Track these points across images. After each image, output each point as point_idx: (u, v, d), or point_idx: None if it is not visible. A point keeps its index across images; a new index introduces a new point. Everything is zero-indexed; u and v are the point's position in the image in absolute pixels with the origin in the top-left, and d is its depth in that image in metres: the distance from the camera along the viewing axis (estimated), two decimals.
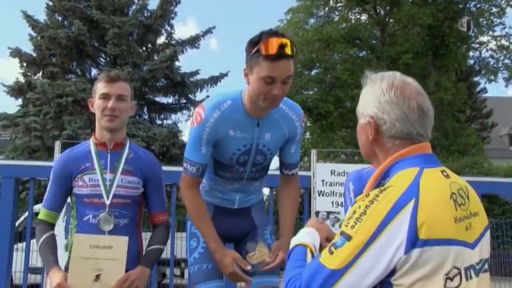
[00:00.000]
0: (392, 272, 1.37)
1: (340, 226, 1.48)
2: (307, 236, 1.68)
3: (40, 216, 2.55)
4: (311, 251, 1.61)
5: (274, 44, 2.14)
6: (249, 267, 2.38)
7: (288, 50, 2.16)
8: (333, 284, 1.36)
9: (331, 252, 1.39)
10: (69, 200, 2.59)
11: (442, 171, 1.52)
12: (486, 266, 1.51)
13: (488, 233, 1.54)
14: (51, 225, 2.55)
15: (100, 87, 2.52)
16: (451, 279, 1.38)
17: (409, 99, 1.53)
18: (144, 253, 2.57)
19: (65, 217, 3.96)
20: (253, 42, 2.22)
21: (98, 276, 2.34)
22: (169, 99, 18.29)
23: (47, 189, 2.59)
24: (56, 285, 2.30)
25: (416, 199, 1.37)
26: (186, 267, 6.12)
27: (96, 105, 2.52)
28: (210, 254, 2.50)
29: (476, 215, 1.50)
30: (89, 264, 2.35)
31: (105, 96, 2.49)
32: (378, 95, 1.56)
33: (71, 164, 2.51)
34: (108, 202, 2.46)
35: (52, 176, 2.56)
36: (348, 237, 1.38)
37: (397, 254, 1.35)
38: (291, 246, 1.67)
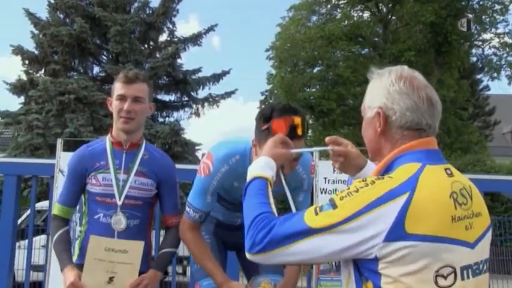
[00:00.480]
0: (375, 260, 1.39)
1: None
2: (268, 168, 1.72)
3: (54, 211, 2.56)
4: (270, 184, 1.67)
5: (287, 124, 2.09)
6: None
7: (299, 131, 2.12)
8: (302, 238, 1.42)
9: (316, 213, 1.44)
10: (82, 196, 2.60)
11: (446, 169, 1.50)
12: (486, 267, 1.50)
13: (489, 234, 1.53)
14: (66, 221, 2.55)
15: (117, 88, 2.51)
16: (444, 278, 1.38)
17: (418, 89, 1.53)
18: (156, 256, 2.58)
19: (78, 214, 3.96)
20: (264, 117, 2.16)
21: (111, 279, 2.35)
22: (172, 97, 18.33)
23: (63, 184, 2.60)
24: (69, 283, 2.30)
25: (411, 193, 1.38)
26: (189, 264, 6.13)
27: (114, 105, 2.51)
28: (213, 253, 2.51)
29: (478, 215, 1.49)
30: (103, 266, 2.36)
31: (122, 98, 2.48)
32: (386, 86, 1.56)
33: (86, 161, 2.51)
34: (120, 203, 2.46)
35: (68, 171, 2.57)
36: (334, 206, 1.42)
37: (375, 239, 1.36)
38: (250, 177, 1.70)
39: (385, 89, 1.56)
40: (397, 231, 1.35)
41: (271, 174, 1.72)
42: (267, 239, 1.46)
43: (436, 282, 1.37)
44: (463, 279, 1.40)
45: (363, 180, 1.45)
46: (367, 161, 1.97)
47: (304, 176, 2.55)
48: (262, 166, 1.73)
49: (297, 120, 2.12)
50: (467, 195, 1.48)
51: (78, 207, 2.66)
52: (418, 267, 1.36)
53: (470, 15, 21.57)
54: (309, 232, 1.41)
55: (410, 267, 1.36)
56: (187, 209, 2.46)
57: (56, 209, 2.55)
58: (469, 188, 1.50)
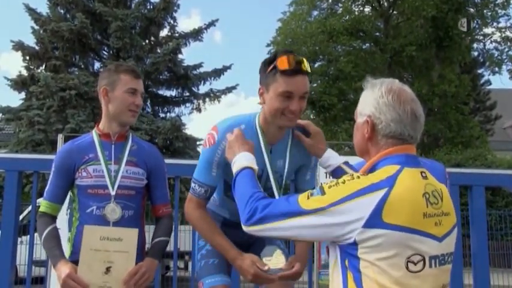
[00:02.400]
0: (354, 244, 1.62)
1: None
2: (252, 160, 2.08)
3: (41, 209, 2.51)
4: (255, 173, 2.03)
5: (291, 60, 2.20)
6: (266, 268, 2.29)
7: (304, 67, 2.22)
8: (295, 216, 1.69)
9: (307, 198, 1.70)
10: (70, 193, 2.57)
11: (421, 172, 1.72)
12: (450, 259, 1.74)
13: (455, 231, 1.76)
14: (53, 218, 2.53)
15: (126, 80, 2.50)
16: (414, 264, 1.61)
17: (404, 103, 1.74)
18: (150, 245, 2.57)
19: (68, 210, 3.97)
20: (269, 61, 2.27)
21: (108, 269, 2.34)
22: (173, 92, 18.31)
23: (48, 181, 2.56)
24: (65, 276, 2.28)
25: (389, 189, 1.61)
26: (190, 259, 6.15)
27: (121, 98, 2.49)
28: (217, 252, 2.47)
29: (447, 214, 1.71)
30: (100, 257, 2.34)
31: (134, 92, 2.50)
32: (376, 97, 1.77)
33: (74, 155, 2.49)
34: (113, 193, 2.44)
35: (54, 167, 2.53)
36: (323, 192, 1.68)
37: (355, 223, 1.60)
38: (237, 168, 2.04)
39: (374, 100, 1.77)
40: (374, 219, 1.58)
41: (255, 165, 2.06)
42: (264, 212, 1.73)
43: (407, 267, 1.60)
44: (430, 266, 1.64)
45: (350, 175, 1.71)
46: (326, 151, 2.34)
47: None
48: (246, 159, 2.05)
49: (301, 58, 2.25)
50: (439, 196, 1.70)
51: (70, 207, 2.63)
52: (391, 253, 1.59)
53: (471, 10, 21.50)
54: (301, 213, 1.67)
55: (384, 253, 1.59)
56: (192, 185, 2.41)
57: (43, 206, 2.51)
58: (440, 191, 1.73)
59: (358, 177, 1.67)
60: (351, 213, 1.60)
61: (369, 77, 1.88)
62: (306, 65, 2.24)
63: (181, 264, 9.87)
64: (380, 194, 1.60)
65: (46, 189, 2.55)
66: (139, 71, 2.66)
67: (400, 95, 1.75)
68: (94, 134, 2.56)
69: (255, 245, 2.59)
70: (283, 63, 2.19)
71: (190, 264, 5.65)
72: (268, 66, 2.26)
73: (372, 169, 1.75)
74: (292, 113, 2.24)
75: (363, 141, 1.83)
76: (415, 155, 1.78)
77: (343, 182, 1.67)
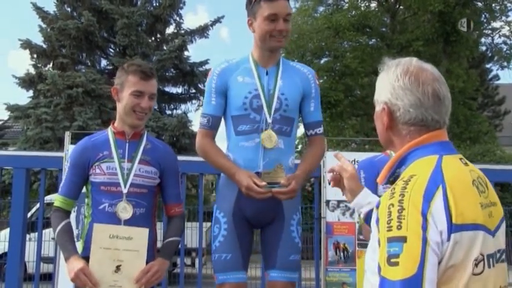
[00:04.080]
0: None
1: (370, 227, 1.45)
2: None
3: (56, 203, 2.53)
4: None
5: None
6: (263, 183, 2.42)
7: None
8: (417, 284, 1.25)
9: (394, 264, 1.27)
10: (84, 189, 2.59)
11: (460, 159, 1.50)
12: (504, 257, 1.48)
13: (504, 225, 1.51)
14: (67, 213, 2.55)
15: (133, 82, 2.48)
16: (476, 265, 1.34)
17: (423, 85, 1.50)
18: (162, 245, 2.58)
19: (76, 207, 3.99)
20: None
21: (118, 267, 2.34)
22: (179, 89, 18.35)
23: (64, 177, 2.58)
24: (78, 269, 2.28)
25: (443, 186, 1.35)
26: (197, 256, 6.17)
27: (127, 99, 2.49)
28: (229, 244, 2.54)
29: (495, 204, 1.48)
30: (109, 255, 2.35)
31: (139, 94, 2.48)
32: (392, 81, 1.54)
33: (89, 152, 2.51)
34: (125, 191, 2.46)
35: (69, 163, 2.56)
36: (403, 239, 1.28)
37: (443, 241, 1.30)
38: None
39: (390, 84, 1.54)
40: (450, 226, 1.31)
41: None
42: None
43: (472, 271, 1.33)
44: (489, 267, 1.38)
45: (392, 193, 1.38)
46: (362, 189, 1.96)
47: (310, 76, 2.71)
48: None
49: None
50: (484, 184, 1.47)
51: (79, 203, 2.65)
52: (462, 257, 1.32)
53: (479, 4, 21.31)
54: (414, 279, 1.25)
55: (456, 257, 1.32)
56: (199, 121, 2.67)
57: (58, 201, 2.53)
58: (483, 178, 1.50)
59: (404, 188, 1.36)
60: (437, 233, 1.29)
61: (387, 58, 1.65)
62: None
63: (188, 261, 9.89)
64: (439, 197, 1.33)
65: (61, 184, 2.59)
66: (153, 69, 2.60)
67: (419, 75, 1.51)
68: (109, 131, 2.58)
69: (274, 224, 2.62)
70: None
71: (197, 261, 5.67)
72: None
73: (400, 163, 1.53)
74: (280, 33, 2.53)
75: (383, 131, 1.59)
76: (448, 141, 1.54)
77: (402, 208, 1.32)
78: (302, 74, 2.68)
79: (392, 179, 1.55)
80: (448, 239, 1.30)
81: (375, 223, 1.39)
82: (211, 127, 2.62)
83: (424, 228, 1.28)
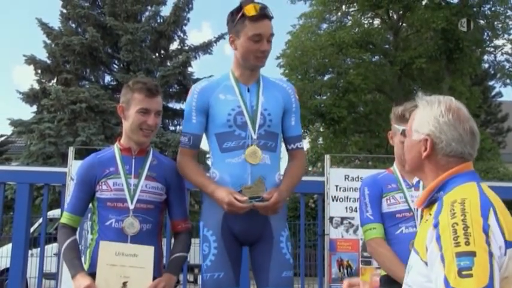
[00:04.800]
0: None
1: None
2: None
3: (63, 220, 2.54)
4: None
5: (256, 7, 2.49)
6: (244, 198, 2.40)
7: (268, 12, 2.54)
8: None
9: (467, 275, 1.41)
10: (90, 205, 2.59)
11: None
12: None
13: None
14: (74, 230, 2.56)
15: (139, 100, 2.49)
16: None
17: (463, 122, 1.71)
18: (168, 260, 2.58)
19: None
20: (236, 11, 2.55)
21: (124, 284, 2.34)
22: (182, 105, 18.36)
23: (70, 194, 2.60)
24: (85, 287, 2.29)
25: (492, 207, 1.53)
26: (199, 273, 6.13)
27: (133, 117, 2.49)
28: (220, 262, 2.50)
29: None
30: (116, 272, 2.35)
31: (146, 112, 2.49)
32: (436, 116, 1.71)
33: (96, 168, 2.52)
34: (132, 207, 2.46)
35: (75, 180, 2.57)
36: (472, 254, 1.43)
37: (502, 255, 1.47)
38: None
39: (434, 119, 1.72)
40: (505, 242, 1.49)
41: None
42: None
43: None
44: None
45: (451, 213, 1.52)
46: None
47: (290, 91, 2.73)
48: None
49: (264, 4, 2.52)
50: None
51: (89, 215, 2.66)
52: (506, 274, 1.48)
53: (482, 21, 21.41)
54: None
55: (509, 270, 1.49)
56: (180, 138, 2.66)
57: (65, 218, 2.54)
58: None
59: (463, 208, 1.52)
60: (497, 249, 1.47)
61: (421, 93, 1.85)
62: (270, 11, 2.53)
63: (190, 278, 9.82)
64: (492, 216, 1.51)
65: (67, 201, 2.60)
66: (158, 85, 2.62)
67: (459, 113, 1.72)
68: (116, 148, 2.59)
69: (262, 241, 2.60)
70: (250, 10, 2.48)
71: (199, 277, 5.63)
72: (236, 15, 2.53)
73: (439, 189, 1.69)
74: (263, 53, 2.54)
75: (418, 159, 1.76)
76: (475, 171, 1.76)
77: (466, 226, 1.47)
78: (282, 89, 2.70)
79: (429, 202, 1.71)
80: (505, 254, 1.48)
81: (435, 240, 1.51)
82: (192, 146, 2.62)
83: (488, 243, 1.45)
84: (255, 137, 2.54)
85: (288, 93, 2.70)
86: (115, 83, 17.48)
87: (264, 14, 2.50)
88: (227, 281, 2.50)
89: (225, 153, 2.55)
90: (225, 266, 2.50)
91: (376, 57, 23.04)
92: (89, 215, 2.65)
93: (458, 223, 1.48)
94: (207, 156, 16.76)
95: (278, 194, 2.45)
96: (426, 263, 1.55)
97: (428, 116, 1.74)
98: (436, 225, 1.54)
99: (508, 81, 23.26)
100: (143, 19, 17.83)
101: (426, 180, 1.77)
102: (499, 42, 23.15)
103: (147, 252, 2.39)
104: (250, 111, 2.56)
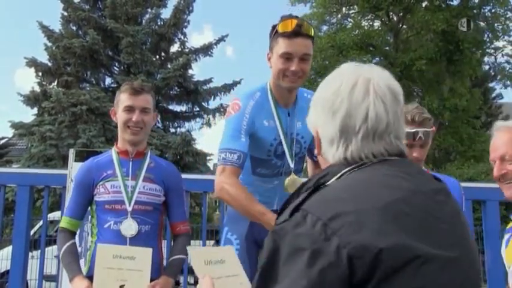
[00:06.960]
0: None
1: None
2: None
3: (62, 224, 2.56)
4: None
5: (292, 23, 2.28)
6: None
7: (304, 29, 2.29)
8: None
9: None
10: (89, 208, 2.61)
11: None
12: None
13: None
14: (73, 234, 2.58)
15: (124, 99, 2.54)
16: None
17: None
18: (167, 263, 2.59)
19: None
20: (273, 26, 2.36)
21: (121, 287, 2.34)
22: (183, 108, 18.42)
23: (69, 198, 2.62)
24: None
25: None
26: None
27: (120, 117, 2.54)
28: (241, 259, 2.48)
29: None
30: (113, 275, 2.35)
31: (130, 109, 2.52)
32: None
33: (93, 172, 2.54)
34: (130, 208, 2.47)
35: (74, 184, 2.60)
36: None
37: None
38: None
39: None
40: None
41: None
42: None
43: None
44: None
45: None
46: None
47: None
48: None
49: (302, 21, 2.30)
50: None
51: (89, 217, 2.67)
52: None
53: (482, 23, 21.42)
54: None
55: None
56: (221, 156, 2.32)
57: (64, 222, 2.56)
58: None
59: None
60: None
61: (499, 122, 2.15)
62: (307, 28, 2.30)
63: (191, 280, 9.81)
64: None
65: (66, 206, 2.62)
66: (146, 85, 2.66)
67: None
68: (113, 151, 2.61)
69: None
70: (283, 26, 2.29)
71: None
72: (273, 30, 2.36)
73: None
74: (294, 74, 2.31)
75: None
76: None
77: None
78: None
79: None
80: None
81: None
82: (241, 165, 2.34)
83: None
84: (292, 166, 2.49)
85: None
86: (116, 85, 17.50)
87: (298, 32, 2.27)
88: None
89: (256, 176, 2.52)
90: (247, 271, 2.49)
91: (376, 59, 23.03)
92: (89, 217, 2.65)
93: None
94: (208, 158, 16.80)
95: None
96: None
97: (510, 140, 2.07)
98: None
99: (508, 82, 23.27)
100: (144, 21, 17.86)
101: None
102: (499, 43, 23.16)
103: (145, 254, 2.39)
104: (289, 141, 2.48)
